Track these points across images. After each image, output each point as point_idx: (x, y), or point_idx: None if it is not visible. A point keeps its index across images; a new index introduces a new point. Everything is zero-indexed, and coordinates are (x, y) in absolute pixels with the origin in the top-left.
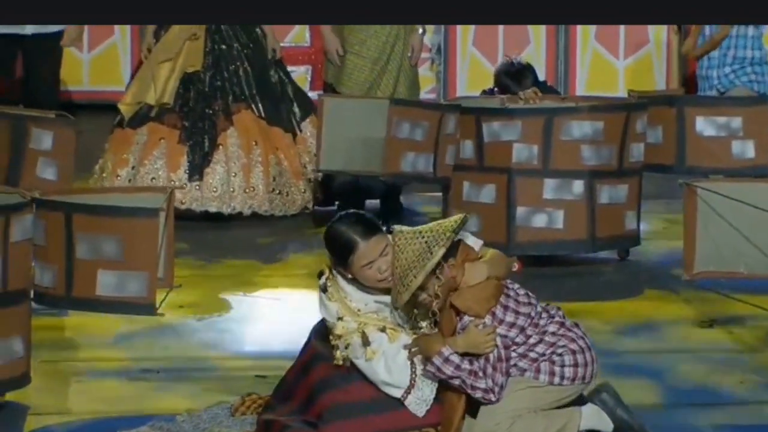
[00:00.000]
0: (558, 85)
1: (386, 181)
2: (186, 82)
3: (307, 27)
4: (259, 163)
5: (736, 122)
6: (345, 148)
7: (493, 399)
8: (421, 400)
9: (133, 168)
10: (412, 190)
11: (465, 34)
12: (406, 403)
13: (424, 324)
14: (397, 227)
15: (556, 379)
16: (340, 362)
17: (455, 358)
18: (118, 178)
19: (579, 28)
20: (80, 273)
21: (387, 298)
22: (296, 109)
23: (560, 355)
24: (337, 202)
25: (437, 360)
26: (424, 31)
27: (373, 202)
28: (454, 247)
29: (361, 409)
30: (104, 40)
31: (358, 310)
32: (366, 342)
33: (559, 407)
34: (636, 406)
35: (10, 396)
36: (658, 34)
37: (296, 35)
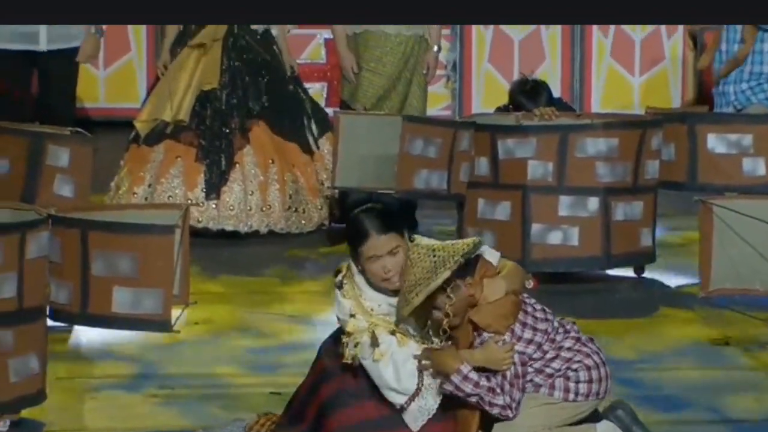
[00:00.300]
0: (573, 102)
1: (401, 197)
2: (202, 99)
3: (323, 44)
4: (275, 181)
5: (747, 140)
6: (360, 164)
7: (510, 415)
8: (423, 409)
9: (149, 186)
10: (427, 206)
11: (480, 50)
12: (408, 410)
13: (435, 340)
14: (417, 238)
15: (571, 396)
16: (349, 360)
17: (474, 376)
18: (135, 195)
19: (594, 44)
20: (96, 290)
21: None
22: (313, 126)
23: (575, 370)
24: None
25: (456, 378)
26: (440, 48)
27: None
28: (472, 265)
29: (369, 428)
30: (120, 57)
31: (371, 310)
32: (375, 342)
33: (574, 423)
34: (650, 423)
35: (25, 413)
36: (674, 50)
37: (312, 52)
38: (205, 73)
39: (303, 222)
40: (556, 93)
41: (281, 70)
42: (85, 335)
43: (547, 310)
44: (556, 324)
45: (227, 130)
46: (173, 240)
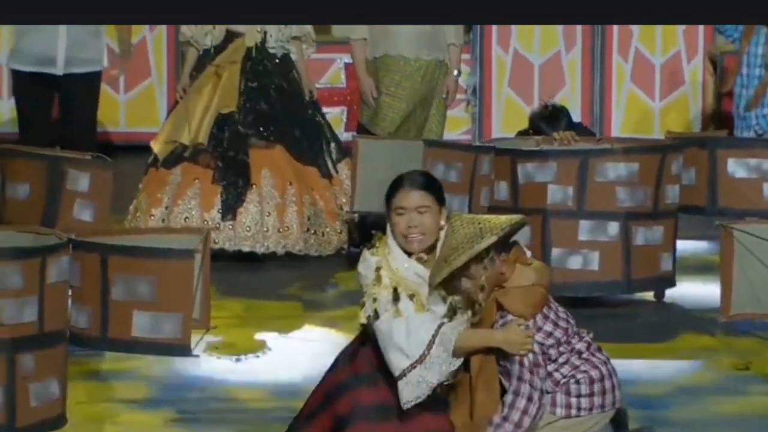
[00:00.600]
0: (594, 127)
1: None
2: (220, 122)
3: (343, 68)
4: (293, 202)
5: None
6: (379, 189)
7: (535, 404)
8: (423, 380)
9: (166, 208)
10: None
11: (500, 75)
12: (408, 377)
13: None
14: (456, 212)
15: (573, 411)
16: (364, 321)
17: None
18: (152, 217)
19: (614, 68)
20: (116, 314)
21: (426, 273)
22: (332, 151)
23: (578, 382)
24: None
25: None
26: (459, 73)
27: None
28: (508, 246)
29: None
30: (141, 82)
31: (397, 269)
32: (396, 297)
33: None
34: None
35: None
36: (694, 74)
37: (332, 76)
38: (224, 96)
39: (322, 245)
40: (576, 117)
41: (300, 95)
42: (106, 359)
43: (568, 313)
44: (574, 329)
45: (244, 153)
46: (193, 265)
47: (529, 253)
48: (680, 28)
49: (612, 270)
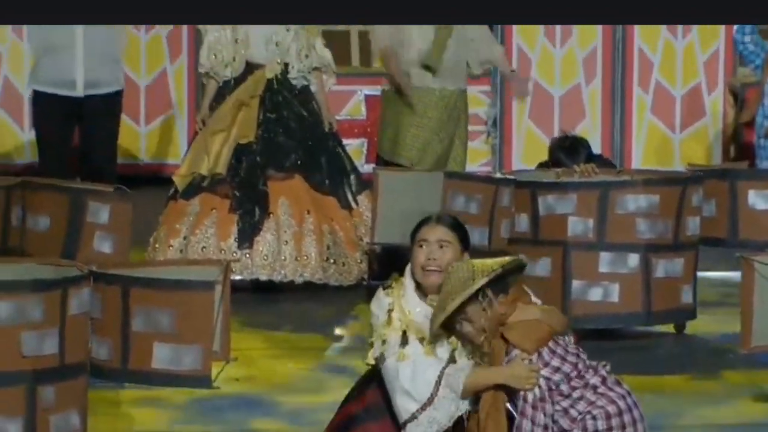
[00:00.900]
0: (614, 158)
1: None
2: (239, 152)
3: (363, 100)
4: (311, 231)
5: None
6: (400, 220)
7: None
8: (433, 420)
9: (184, 238)
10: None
11: (521, 106)
12: (419, 419)
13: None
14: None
15: None
16: (372, 361)
17: None
18: (171, 248)
19: (635, 100)
20: (136, 346)
21: None
22: (352, 182)
23: (594, 418)
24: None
25: None
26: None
27: None
28: (509, 286)
29: None
30: (161, 114)
31: (408, 312)
32: (405, 341)
33: None
34: None
35: None
36: (715, 106)
37: (352, 108)
38: (242, 127)
39: (343, 275)
40: (597, 149)
41: (320, 126)
42: (126, 390)
43: (580, 349)
44: (587, 364)
45: (262, 182)
46: (213, 296)
47: (538, 302)
48: (701, 60)
49: (632, 302)
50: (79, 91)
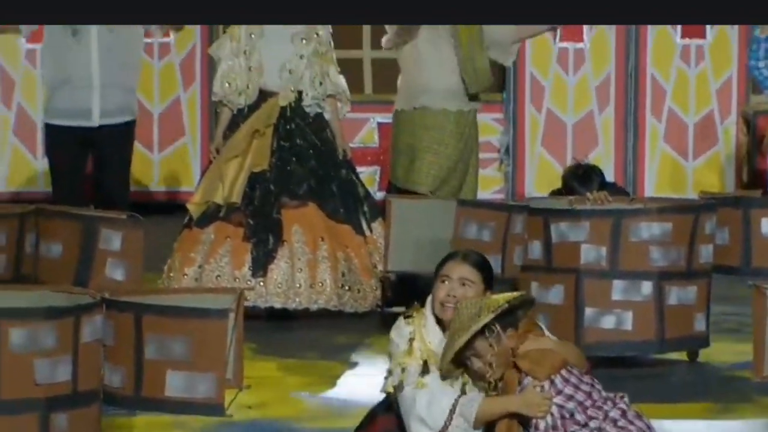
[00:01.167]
0: (627, 186)
1: None
2: (252, 181)
3: (376, 128)
4: (325, 258)
5: None
6: (412, 248)
7: None
8: None
9: (199, 267)
10: None
11: (533, 134)
12: None
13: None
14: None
15: None
16: (390, 389)
17: None
18: (185, 277)
19: (648, 128)
20: (149, 373)
21: None
22: (366, 210)
23: None
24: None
25: None
26: None
27: None
28: (518, 320)
29: None
30: (174, 141)
31: (429, 342)
32: (426, 370)
33: None
34: None
35: None
36: (727, 134)
37: (365, 136)
38: (256, 155)
39: (358, 301)
40: (609, 177)
41: (333, 154)
42: (139, 418)
43: (595, 380)
44: (604, 395)
45: (275, 210)
46: (227, 324)
47: (552, 338)
48: (713, 87)
49: (645, 330)
50: (95, 122)
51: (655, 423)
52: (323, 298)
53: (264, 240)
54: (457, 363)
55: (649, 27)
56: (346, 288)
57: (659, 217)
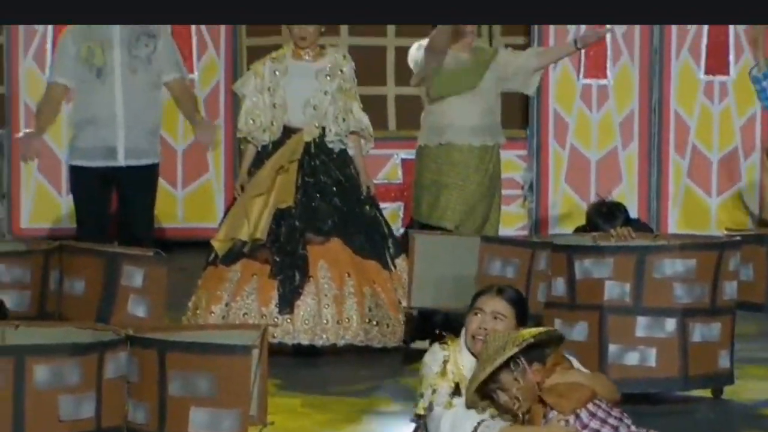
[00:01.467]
0: (650, 223)
1: None
2: (278, 217)
3: (399, 164)
4: (352, 294)
5: None
6: (436, 284)
7: None
8: None
9: (226, 305)
10: None
11: (557, 170)
12: None
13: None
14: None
15: None
16: (421, 412)
17: None
18: (212, 314)
19: (671, 164)
20: (173, 410)
21: None
22: (390, 246)
23: None
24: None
25: None
26: None
27: None
28: (546, 355)
29: None
30: (198, 177)
31: (462, 366)
32: (457, 392)
33: None
34: None
35: None
36: (751, 171)
37: (389, 172)
38: (281, 191)
39: (386, 336)
40: (633, 213)
41: (357, 190)
42: None
43: (624, 414)
44: (633, 429)
45: (301, 246)
46: (251, 360)
47: (576, 363)
48: (737, 124)
49: (669, 366)
50: (120, 161)
51: None
52: (350, 333)
53: (290, 276)
54: (483, 394)
55: (672, 63)
56: (374, 323)
57: (683, 254)
